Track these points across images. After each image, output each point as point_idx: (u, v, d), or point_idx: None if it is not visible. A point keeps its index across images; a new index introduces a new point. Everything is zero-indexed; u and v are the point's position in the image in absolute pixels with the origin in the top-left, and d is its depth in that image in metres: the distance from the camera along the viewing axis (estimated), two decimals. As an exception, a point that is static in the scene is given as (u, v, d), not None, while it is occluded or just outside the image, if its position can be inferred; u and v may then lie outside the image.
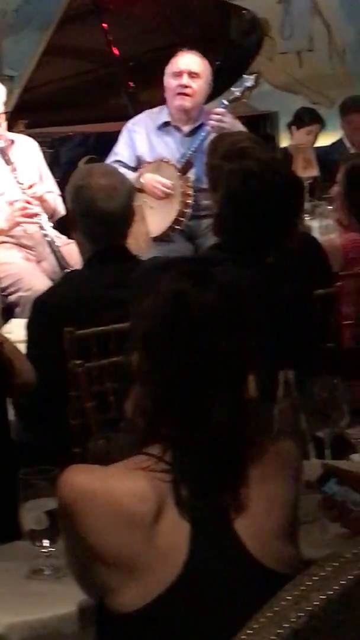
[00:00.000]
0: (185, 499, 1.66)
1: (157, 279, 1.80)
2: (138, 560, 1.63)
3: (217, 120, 5.20)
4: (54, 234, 4.73)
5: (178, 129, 5.38)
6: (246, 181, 2.72)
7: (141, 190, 5.00)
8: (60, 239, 4.71)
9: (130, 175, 4.82)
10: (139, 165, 5.33)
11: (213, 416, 1.68)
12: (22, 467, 2.10)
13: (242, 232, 2.77)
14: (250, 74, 5.80)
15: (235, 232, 2.78)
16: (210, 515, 1.67)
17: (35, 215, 4.74)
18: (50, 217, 4.93)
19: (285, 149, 6.71)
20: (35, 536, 2.01)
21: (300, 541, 1.79)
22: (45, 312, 3.21)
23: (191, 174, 5.23)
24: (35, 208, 4.74)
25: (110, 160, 5.28)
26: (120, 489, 1.66)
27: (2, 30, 6.75)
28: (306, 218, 5.25)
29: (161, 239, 5.10)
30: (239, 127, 5.25)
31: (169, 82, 5.31)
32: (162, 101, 5.43)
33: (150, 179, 5.20)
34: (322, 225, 5.13)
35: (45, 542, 2.00)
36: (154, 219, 5.10)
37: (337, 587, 1.47)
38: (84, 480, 1.68)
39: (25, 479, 2.01)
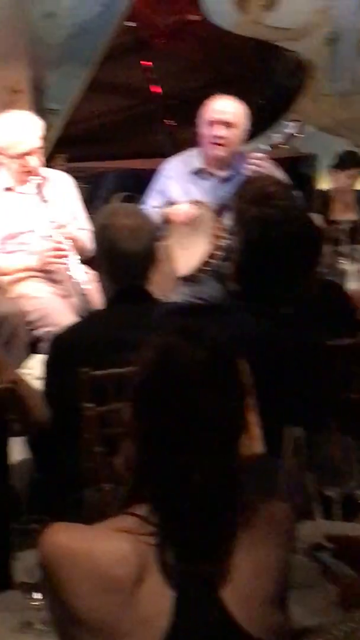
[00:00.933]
0: (170, 564, 1.60)
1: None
2: (118, 626, 1.58)
3: (256, 165, 5.17)
4: (82, 270, 4.71)
5: (212, 174, 5.36)
6: (265, 229, 2.68)
7: (167, 222, 4.97)
8: (89, 275, 4.70)
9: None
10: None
11: (199, 478, 1.62)
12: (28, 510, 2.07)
13: (259, 280, 2.72)
14: (294, 120, 5.78)
15: (252, 280, 2.73)
16: (195, 582, 1.61)
17: (64, 256, 4.73)
18: (83, 255, 4.93)
19: (324, 191, 6.66)
20: (26, 588, 1.96)
21: (297, 606, 1.73)
22: (62, 350, 3.18)
23: (226, 217, 5.19)
24: (65, 248, 4.73)
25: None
26: (101, 550, 1.60)
27: (47, 64, 6.77)
28: (343, 262, 5.19)
29: (190, 279, 5.06)
30: (277, 173, 5.20)
31: (204, 130, 5.28)
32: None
33: (175, 207, 5.17)
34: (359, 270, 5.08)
35: (37, 595, 1.96)
36: (184, 258, 5.07)
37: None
38: (65, 539, 1.63)
39: (19, 528, 1.97)
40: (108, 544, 1.61)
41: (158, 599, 1.59)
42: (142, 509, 1.64)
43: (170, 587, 1.60)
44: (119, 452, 1.73)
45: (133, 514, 1.64)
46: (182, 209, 5.17)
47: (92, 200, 5.55)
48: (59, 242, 4.75)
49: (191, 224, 5.15)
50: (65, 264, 4.75)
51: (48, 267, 4.83)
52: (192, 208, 5.19)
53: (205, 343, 1.68)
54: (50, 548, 1.62)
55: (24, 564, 1.96)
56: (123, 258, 3.13)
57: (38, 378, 3.30)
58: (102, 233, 3.20)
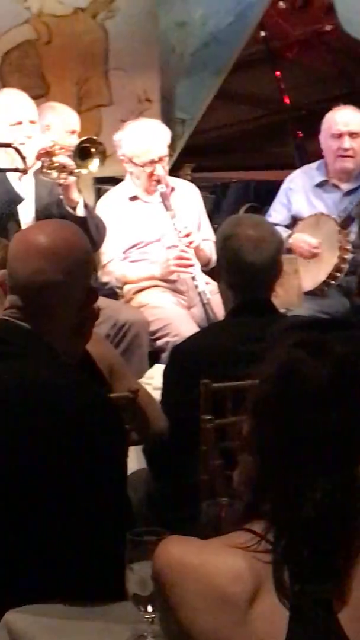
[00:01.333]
0: (286, 583, 1.56)
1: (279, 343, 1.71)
2: None
3: None
4: (205, 280, 4.69)
5: (336, 186, 5.28)
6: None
7: (290, 250, 4.93)
8: (210, 286, 4.68)
9: (284, 233, 4.76)
10: (294, 224, 5.25)
11: (319, 497, 1.57)
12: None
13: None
14: None
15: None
16: (311, 602, 1.56)
17: (190, 265, 4.72)
18: (206, 265, 4.92)
19: None
20: (139, 601, 1.93)
21: None
22: (182, 361, 3.15)
23: (352, 229, 5.11)
24: (191, 257, 4.73)
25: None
26: (216, 566, 1.57)
27: (177, 73, 6.80)
28: None
29: (315, 293, 4.99)
30: None
31: (328, 143, 5.21)
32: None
33: (299, 238, 5.11)
34: None
35: (149, 608, 1.93)
36: (310, 272, 5.00)
37: None
38: (180, 553, 1.59)
39: (134, 540, 1.94)
40: (223, 560, 1.58)
41: (272, 618, 1.55)
42: (258, 526, 1.60)
43: (285, 607, 1.56)
44: (236, 466, 1.70)
45: (249, 530, 1.60)
46: (305, 242, 5.10)
47: (216, 211, 5.53)
48: (184, 252, 4.74)
49: (314, 255, 5.08)
50: (189, 273, 4.74)
51: (172, 277, 4.83)
52: (320, 219, 5.12)
53: (330, 358, 1.63)
54: (164, 562, 1.60)
55: (138, 576, 1.93)
56: (246, 269, 3.09)
57: (158, 388, 3.29)
58: (225, 243, 3.16)
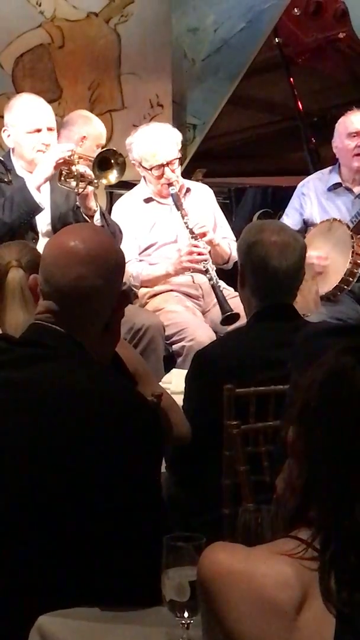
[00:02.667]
0: (333, 590, 1.55)
1: (321, 349, 1.70)
2: None
3: None
4: (217, 277, 4.68)
5: (349, 190, 5.29)
6: None
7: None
8: (225, 290, 4.68)
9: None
10: (306, 228, 5.26)
11: None
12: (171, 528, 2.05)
13: None
14: None
15: None
16: (358, 610, 1.55)
17: (203, 260, 4.71)
18: (226, 262, 4.92)
19: None
20: (175, 607, 1.92)
21: None
22: (206, 366, 3.15)
23: (364, 234, 5.12)
24: (202, 250, 4.72)
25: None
26: (263, 573, 1.55)
27: (189, 79, 6.82)
28: None
29: (327, 298, 4.99)
30: None
31: (344, 143, 5.24)
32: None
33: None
34: None
35: (185, 614, 1.92)
36: (322, 277, 5.00)
37: None
38: (226, 560, 1.58)
39: (170, 545, 1.93)
40: (270, 566, 1.56)
41: (320, 626, 1.54)
42: (305, 533, 1.59)
43: (332, 614, 1.55)
44: (280, 472, 1.69)
45: (296, 537, 1.59)
46: (312, 257, 5.11)
47: (229, 216, 5.53)
48: (195, 246, 4.74)
49: (323, 269, 5.08)
50: (201, 268, 4.72)
51: (185, 280, 4.83)
52: (332, 224, 5.12)
53: None
54: (211, 567, 1.58)
55: (174, 581, 1.92)
56: (273, 275, 3.09)
57: (175, 392, 3.29)
58: (251, 250, 3.16)
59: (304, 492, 1.62)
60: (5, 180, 4.37)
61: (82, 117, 5.49)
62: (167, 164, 4.87)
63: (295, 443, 1.64)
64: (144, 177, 5.02)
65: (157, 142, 4.90)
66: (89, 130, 5.28)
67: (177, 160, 4.94)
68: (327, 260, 5.07)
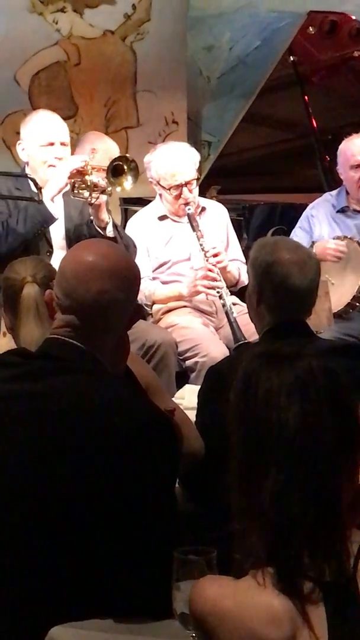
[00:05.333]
0: (322, 622, 1.55)
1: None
2: None
3: None
4: (231, 302, 4.70)
5: (358, 211, 5.32)
6: None
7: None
8: (238, 306, 4.69)
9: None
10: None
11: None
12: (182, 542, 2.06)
13: None
14: None
15: None
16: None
17: (217, 287, 4.73)
18: (234, 286, 4.93)
19: None
20: (186, 620, 1.93)
21: None
22: (218, 382, 3.15)
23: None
24: (217, 277, 4.74)
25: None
26: (252, 612, 1.56)
27: (204, 96, 6.85)
28: None
29: (339, 315, 5.00)
30: None
31: (348, 173, 5.26)
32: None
33: (321, 243, 5.13)
34: None
35: (195, 628, 1.93)
36: (333, 294, 5.01)
37: None
38: (215, 596, 1.60)
39: (181, 558, 1.95)
40: (258, 603, 1.57)
41: None
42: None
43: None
44: None
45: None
46: (331, 246, 5.13)
47: (243, 233, 5.55)
48: (211, 271, 4.76)
49: (340, 260, 5.10)
50: (215, 295, 4.75)
51: (199, 296, 4.85)
52: (340, 244, 5.14)
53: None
54: (202, 604, 1.61)
55: (185, 594, 1.93)
56: (294, 293, 3.09)
57: (188, 408, 3.30)
58: (269, 269, 3.16)
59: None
60: (36, 199, 4.40)
61: (94, 134, 5.52)
62: (186, 184, 4.90)
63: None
64: (160, 195, 5.05)
65: (176, 162, 4.92)
66: (99, 144, 5.31)
67: (195, 180, 4.96)
68: (343, 248, 5.09)
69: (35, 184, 4.46)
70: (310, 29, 6.41)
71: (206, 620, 1.59)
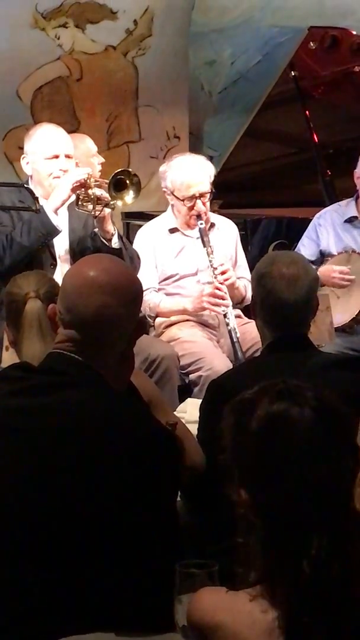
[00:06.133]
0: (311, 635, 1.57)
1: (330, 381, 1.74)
2: None
3: None
4: (235, 323, 4.71)
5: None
6: None
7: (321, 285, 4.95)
8: (242, 320, 4.71)
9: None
10: (322, 259, 5.28)
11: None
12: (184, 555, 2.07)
13: None
14: None
15: None
16: None
17: (223, 304, 4.74)
18: (240, 303, 4.94)
19: None
20: (188, 633, 1.94)
21: None
22: (219, 395, 3.16)
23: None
24: (224, 295, 4.75)
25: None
26: (246, 624, 1.58)
27: (206, 111, 6.88)
28: None
29: (343, 329, 5.01)
30: None
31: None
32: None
33: (326, 270, 5.14)
34: None
35: (197, 639, 1.94)
36: (339, 308, 5.03)
37: None
38: (211, 609, 1.62)
39: (182, 572, 1.96)
40: (253, 616, 1.59)
41: None
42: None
43: None
44: None
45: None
46: (333, 270, 5.14)
47: (246, 247, 5.57)
48: (219, 290, 4.77)
49: (346, 282, 5.11)
50: (220, 313, 4.76)
51: (204, 312, 4.87)
52: (344, 271, 5.15)
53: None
54: (198, 617, 1.63)
55: (186, 607, 1.94)
56: (280, 307, 3.10)
57: (189, 422, 3.31)
58: (260, 281, 3.18)
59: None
60: (33, 208, 4.41)
61: (74, 135, 5.44)
62: (200, 196, 4.91)
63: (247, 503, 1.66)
64: (172, 206, 5.06)
65: (192, 174, 4.93)
66: (78, 143, 5.25)
67: (209, 194, 4.97)
68: (349, 276, 5.10)
69: (32, 194, 4.48)
70: (311, 44, 6.44)
71: (203, 631, 1.60)
